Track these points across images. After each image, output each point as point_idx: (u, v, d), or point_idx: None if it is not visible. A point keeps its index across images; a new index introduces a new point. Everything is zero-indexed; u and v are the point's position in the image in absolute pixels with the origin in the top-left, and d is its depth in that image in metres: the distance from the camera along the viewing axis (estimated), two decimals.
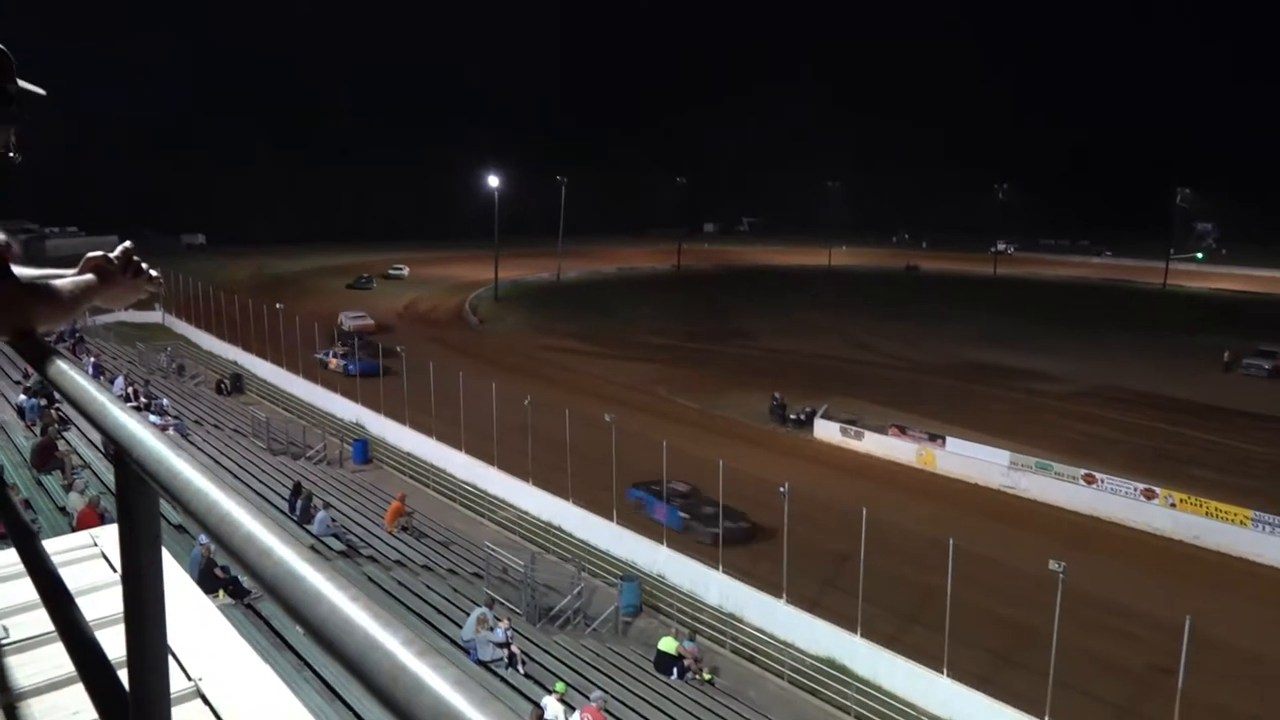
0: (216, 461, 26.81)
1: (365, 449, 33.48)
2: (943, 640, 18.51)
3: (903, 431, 35.39)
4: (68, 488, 18.00)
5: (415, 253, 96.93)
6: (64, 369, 1.57)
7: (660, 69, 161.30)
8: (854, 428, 36.55)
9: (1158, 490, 28.66)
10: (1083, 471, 30.40)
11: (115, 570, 2.70)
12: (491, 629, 17.54)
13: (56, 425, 22.25)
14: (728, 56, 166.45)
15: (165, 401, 32.07)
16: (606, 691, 16.40)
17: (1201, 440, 36.88)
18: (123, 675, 1.34)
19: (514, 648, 17.58)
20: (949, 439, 33.93)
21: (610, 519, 26.04)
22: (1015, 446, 32.88)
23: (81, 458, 21.00)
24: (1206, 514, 27.39)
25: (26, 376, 26.03)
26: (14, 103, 1.88)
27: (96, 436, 18.20)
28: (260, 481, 26.23)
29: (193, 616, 2.55)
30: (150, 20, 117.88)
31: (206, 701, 2.16)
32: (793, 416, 38.86)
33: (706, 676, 19.81)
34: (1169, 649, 16.26)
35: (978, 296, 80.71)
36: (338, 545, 21.63)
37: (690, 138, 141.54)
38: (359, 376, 38.81)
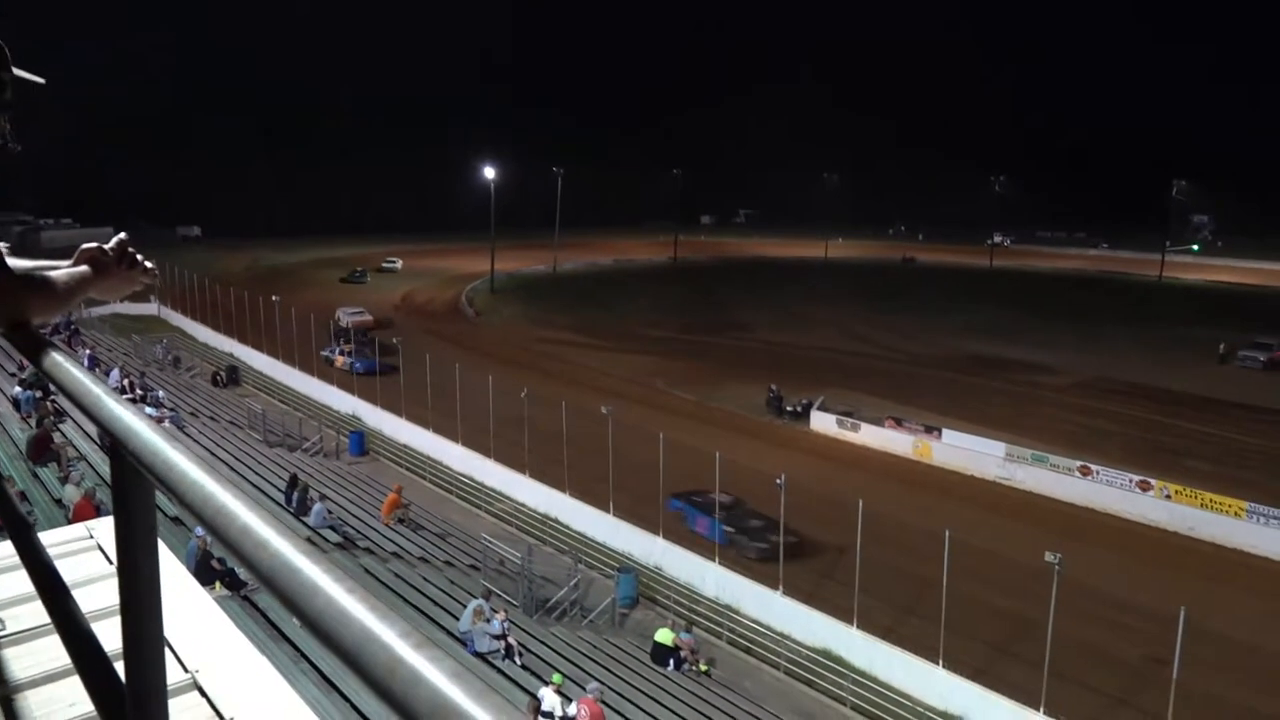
0: (212, 454, 26.77)
1: (362, 441, 33.48)
2: (938, 631, 18.56)
3: (899, 423, 35.45)
4: (63, 480, 17.98)
5: (411, 245, 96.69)
6: (59, 361, 1.56)
7: (660, 69, 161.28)
8: (850, 419, 36.59)
9: (1153, 482, 28.74)
10: (1078, 463, 30.47)
11: (111, 562, 2.69)
12: (488, 620, 17.55)
13: (52, 417, 22.20)
14: (728, 56, 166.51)
15: (161, 393, 32.02)
16: (603, 683, 16.44)
17: (1197, 432, 36.98)
18: (119, 667, 1.33)
19: (511, 639, 17.60)
20: (945, 431, 33.99)
21: (607, 511, 26.06)
22: (1011, 438, 32.96)
23: (77, 450, 20.95)
24: (1202, 505, 27.48)
25: (22, 368, 25.96)
26: (7, 90, 1.87)
27: (92, 428, 18.06)
28: (256, 474, 26.20)
29: (189, 608, 2.55)
30: (147, 12, 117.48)
31: (203, 693, 2.16)
32: (789, 408, 38.90)
33: (703, 668, 19.85)
34: (1164, 640, 16.33)
35: (974, 289, 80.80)
36: (334, 537, 21.60)
37: (690, 136, 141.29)
38: (366, 375, 38.52)
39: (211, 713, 2.11)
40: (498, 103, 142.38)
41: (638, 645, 20.55)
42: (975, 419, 36.12)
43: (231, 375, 41.62)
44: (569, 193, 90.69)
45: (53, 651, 2.12)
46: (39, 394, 23.18)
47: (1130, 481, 29.15)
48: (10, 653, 2.27)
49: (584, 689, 15.49)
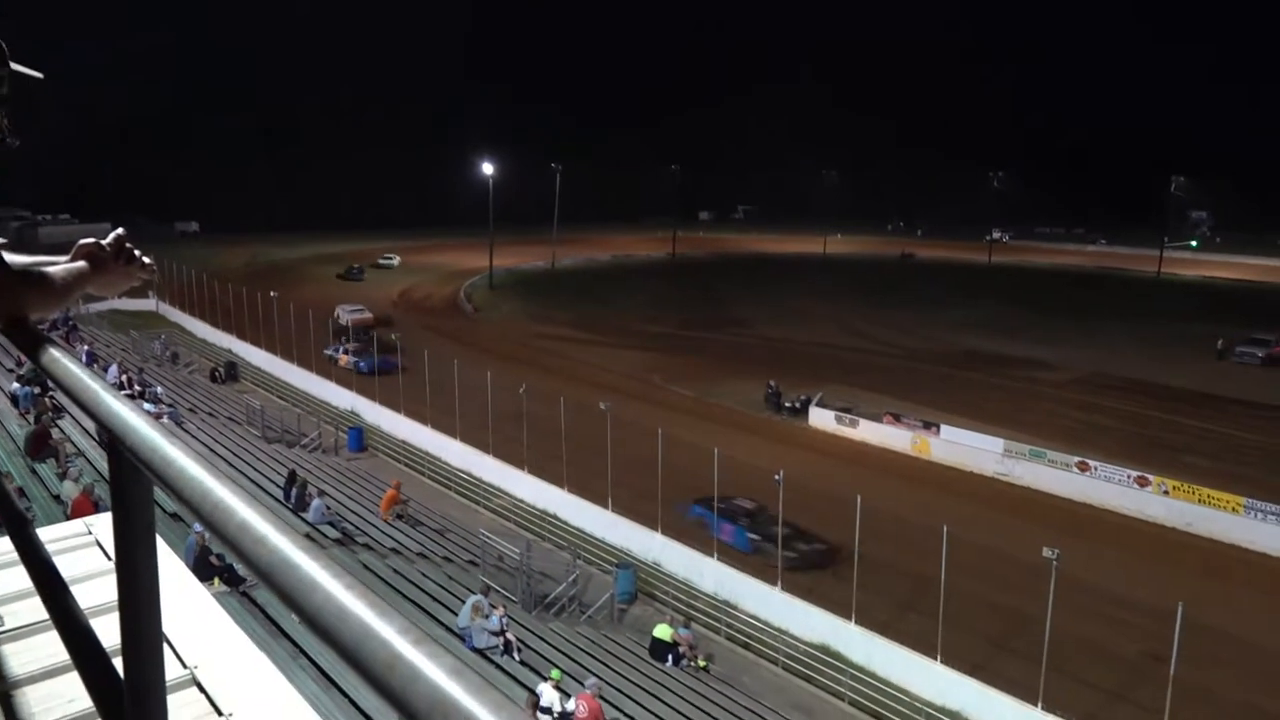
0: (211, 449, 26.75)
1: (360, 437, 33.48)
2: (936, 627, 18.59)
3: (897, 419, 35.47)
4: (62, 476, 17.98)
5: (409, 240, 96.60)
6: (57, 357, 1.56)
7: (661, 69, 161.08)
8: (849, 415, 36.60)
9: (1151, 478, 28.77)
10: (1076, 459, 30.49)
11: (110, 558, 2.69)
12: (487, 616, 17.56)
13: (50, 413, 22.20)
14: (728, 56, 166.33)
15: (159, 389, 32.01)
16: (601, 678, 16.46)
17: (1195, 428, 37.01)
18: (118, 663, 1.33)
19: (509, 635, 17.62)
20: (943, 426, 34.00)
21: (605, 507, 26.07)
22: (1009, 434, 32.98)
23: (76, 446, 20.94)
24: (1199, 501, 27.50)
25: (20, 364, 25.94)
26: (4, 85, 1.87)
27: (91, 425, 18.12)
28: (255, 470, 26.20)
29: (188, 604, 2.55)
30: (145, 6, 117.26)
31: (202, 689, 2.17)
32: (788, 404, 38.92)
33: (701, 663, 19.88)
34: (1161, 636, 16.36)
35: (973, 284, 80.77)
36: (333, 533, 21.62)
37: (690, 135, 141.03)
38: (371, 375, 38.14)
39: (210, 708, 2.11)
40: (498, 100, 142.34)
41: (636, 641, 20.57)
42: (973, 415, 36.15)
43: (230, 371, 41.59)
44: (567, 189, 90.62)
45: (51, 647, 2.12)
46: (37, 390, 23.16)
47: (1128, 477, 29.18)
48: (9, 649, 2.27)
49: (582, 684, 15.51)
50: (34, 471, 18.70)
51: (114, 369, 31.63)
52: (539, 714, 14.60)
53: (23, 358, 1.72)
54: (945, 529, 18.82)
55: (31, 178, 71.01)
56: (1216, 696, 17.95)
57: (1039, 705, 16.95)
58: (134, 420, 1.19)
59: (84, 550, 2.87)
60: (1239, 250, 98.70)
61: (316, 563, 0.81)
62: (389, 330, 46.64)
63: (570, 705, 14.84)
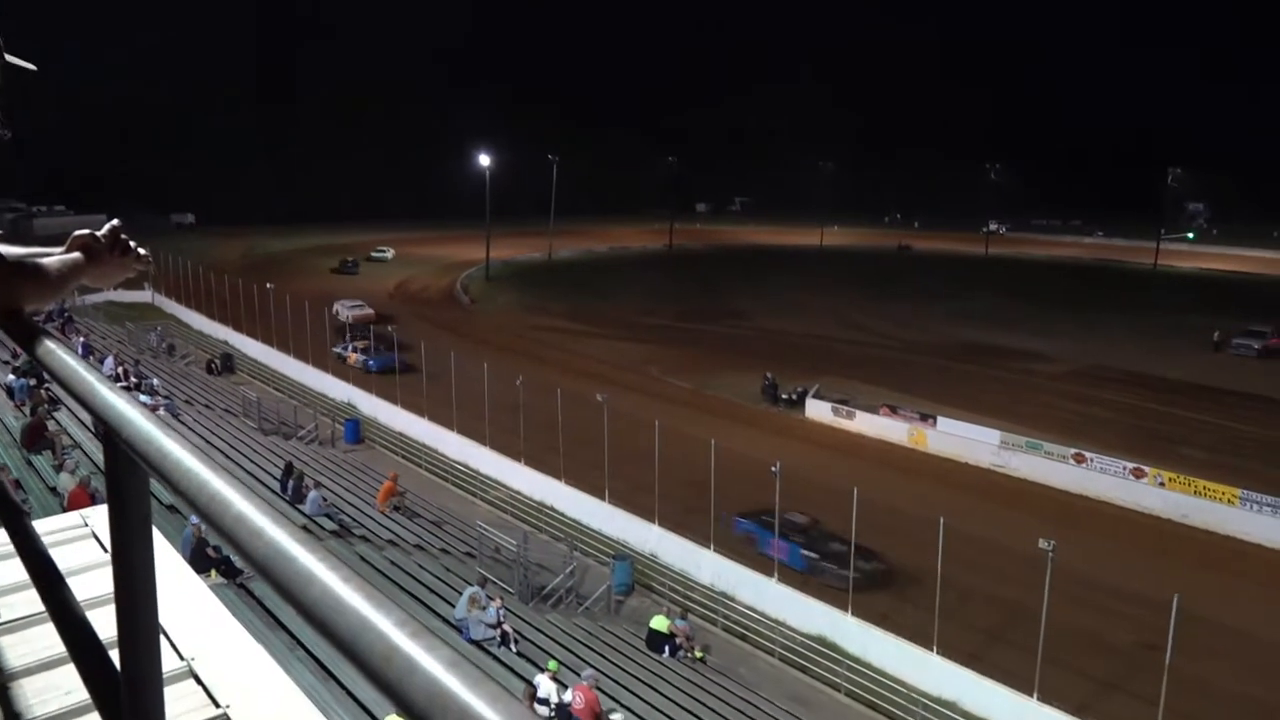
0: (207, 441, 26.75)
1: (357, 429, 33.46)
2: (933, 618, 18.64)
3: (894, 411, 35.51)
4: (58, 468, 17.95)
5: (406, 232, 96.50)
6: (53, 349, 1.55)
7: (660, 69, 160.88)
8: (845, 407, 36.64)
9: (1147, 469, 28.83)
10: (1072, 450, 30.55)
11: (106, 550, 2.68)
12: (484, 608, 17.58)
13: (46, 405, 22.19)
14: (728, 56, 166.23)
15: (155, 381, 31.98)
16: (598, 670, 16.51)
17: (1192, 420, 37.09)
18: (114, 655, 1.33)
19: (506, 627, 17.65)
20: (940, 418, 34.04)
21: (602, 498, 26.09)
22: (1006, 426, 33.01)
23: (72, 438, 20.93)
24: (1195, 493, 27.57)
25: (15, 356, 25.91)
26: None
27: (87, 416, 18.12)
28: (251, 461, 26.18)
29: (185, 596, 2.55)
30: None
31: (199, 681, 2.17)
32: (785, 396, 38.96)
33: (698, 655, 19.92)
34: (1157, 627, 16.39)
35: (970, 276, 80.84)
36: (330, 525, 21.63)
37: (690, 134, 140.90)
38: (384, 374, 37.81)
39: (207, 700, 2.11)
40: (497, 97, 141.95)
41: (633, 632, 20.61)
42: (970, 406, 36.18)
43: (226, 363, 41.53)
44: (564, 181, 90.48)
45: (47, 640, 2.12)
46: (33, 382, 23.14)
47: (1124, 469, 29.24)
48: (5, 641, 2.27)
49: (579, 676, 15.55)
50: (30, 463, 18.69)
51: (110, 361, 31.57)
52: (536, 705, 14.63)
53: (18, 349, 1.71)
54: (941, 520, 18.85)
55: (23, 167, 70.83)
56: (1212, 687, 18.01)
57: (1034, 696, 17.01)
58: (130, 412, 1.18)
59: (80, 542, 2.86)
60: (1235, 242, 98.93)
61: (313, 555, 0.80)
62: (391, 325, 46.63)
63: (567, 696, 14.87)
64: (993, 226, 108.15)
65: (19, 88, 1.92)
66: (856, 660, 19.45)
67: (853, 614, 20.25)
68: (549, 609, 21.24)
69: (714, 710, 16.99)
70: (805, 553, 22.85)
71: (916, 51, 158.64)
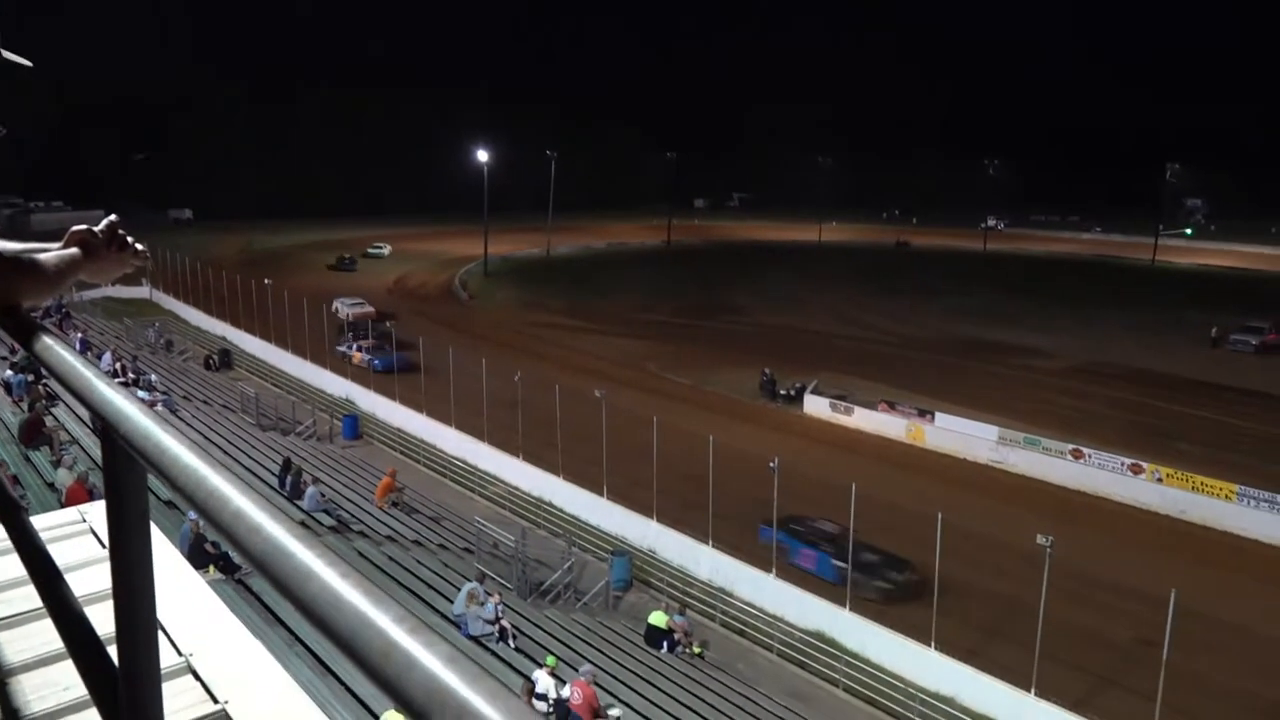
0: (205, 437, 26.76)
1: (355, 425, 33.47)
2: (930, 614, 18.66)
3: (892, 407, 35.54)
4: (56, 463, 17.95)
5: (404, 228, 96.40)
6: (50, 344, 1.55)
7: (661, 68, 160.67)
8: (844, 403, 36.66)
9: (1145, 465, 28.86)
10: (1070, 446, 30.58)
11: (104, 546, 2.69)
12: (482, 604, 17.60)
13: (44, 401, 22.18)
14: (728, 56, 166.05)
15: (153, 377, 31.94)
16: (597, 665, 16.52)
17: (1189, 415, 37.11)
18: (112, 651, 1.33)
19: (505, 622, 17.66)
20: (938, 414, 34.08)
21: (601, 494, 26.10)
22: (1004, 421, 33.05)
23: (69, 433, 20.92)
24: (1193, 488, 27.61)
25: (13, 352, 25.88)
26: None
27: (84, 412, 18.16)
28: (250, 457, 26.17)
29: (183, 592, 2.54)
30: None
31: (197, 677, 2.17)
32: (783, 392, 38.97)
33: (696, 650, 19.95)
34: (1154, 622, 16.42)
35: (968, 272, 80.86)
36: (328, 521, 21.63)
37: (688, 132, 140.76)
38: (390, 373, 37.26)
39: (205, 696, 2.11)
40: (495, 94, 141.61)
41: (631, 628, 20.64)
42: (968, 402, 36.19)
43: (224, 359, 41.52)
44: (563, 177, 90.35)
45: (45, 635, 2.12)
46: (30, 377, 23.13)
47: (1122, 464, 29.27)
48: (3, 637, 2.27)
49: (578, 671, 15.57)
50: (28, 459, 18.67)
51: (108, 356, 31.56)
52: (534, 701, 14.65)
53: (16, 345, 1.71)
54: (940, 516, 18.88)
55: (21, 162, 70.69)
56: (1209, 682, 18.06)
57: (1032, 691, 17.05)
58: (128, 408, 1.18)
59: (78, 538, 2.86)
60: (1233, 238, 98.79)
61: (311, 550, 0.80)
62: (390, 321, 46.56)
63: (565, 692, 14.89)
64: (991, 222, 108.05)
65: (15, 83, 1.91)
66: (855, 656, 19.48)
67: (850, 610, 20.28)
68: (547, 604, 21.27)
69: (712, 706, 17.02)
70: (836, 563, 21.91)
71: (915, 48, 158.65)
